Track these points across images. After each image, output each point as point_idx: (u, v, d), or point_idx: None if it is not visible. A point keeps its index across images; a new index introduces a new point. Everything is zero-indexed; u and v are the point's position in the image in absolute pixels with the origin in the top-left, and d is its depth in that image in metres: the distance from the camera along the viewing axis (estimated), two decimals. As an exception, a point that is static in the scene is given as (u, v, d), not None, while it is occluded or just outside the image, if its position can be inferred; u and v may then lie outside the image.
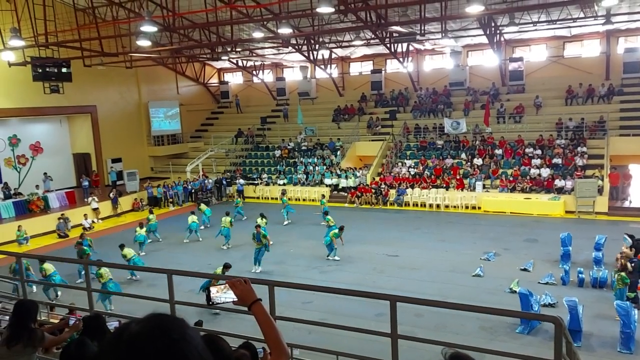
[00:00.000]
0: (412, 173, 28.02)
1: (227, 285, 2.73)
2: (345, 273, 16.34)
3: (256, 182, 31.17)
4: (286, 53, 33.32)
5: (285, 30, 21.94)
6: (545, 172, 24.90)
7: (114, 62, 28.90)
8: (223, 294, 2.82)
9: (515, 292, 12.91)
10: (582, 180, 23.01)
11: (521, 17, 24.64)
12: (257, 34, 23.86)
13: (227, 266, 13.95)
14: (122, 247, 16.65)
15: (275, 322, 2.47)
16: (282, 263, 17.79)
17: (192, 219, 21.39)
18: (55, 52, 25.32)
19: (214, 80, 41.34)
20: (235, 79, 41.48)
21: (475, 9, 18.61)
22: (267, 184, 30.78)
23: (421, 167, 28.18)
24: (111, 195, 27.57)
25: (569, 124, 26.90)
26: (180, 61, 35.86)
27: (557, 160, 25.32)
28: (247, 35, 28.48)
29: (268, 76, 39.14)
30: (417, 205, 26.09)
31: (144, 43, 22.46)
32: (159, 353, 1.26)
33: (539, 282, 14.37)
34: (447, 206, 25.38)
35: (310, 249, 19.14)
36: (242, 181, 30.69)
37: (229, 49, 30.20)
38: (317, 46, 30.08)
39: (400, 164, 29.20)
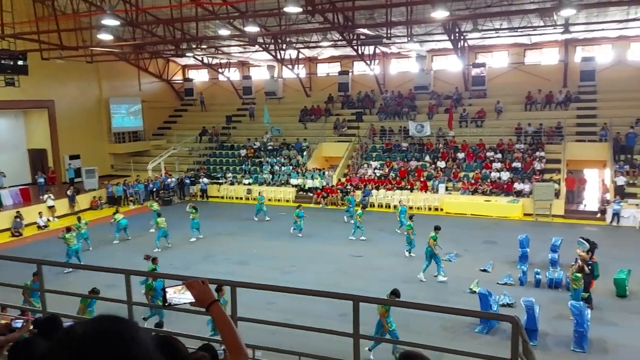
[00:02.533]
0: (378, 174, 28.28)
1: (184, 286, 2.67)
2: (310, 273, 16.32)
3: (220, 181, 30.81)
4: (253, 51, 33.06)
5: (252, 29, 21.79)
6: (505, 175, 25.57)
7: (74, 56, 27.99)
8: (180, 295, 2.74)
9: (475, 292, 13.17)
10: (539, 183, 23.73)
11: (484, 24, 25.23)
12: (223, 32, 23.60)
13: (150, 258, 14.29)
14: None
15: (237, 323, 2.42)
16: (245, 264, 17.62)
17: (119, 217, 20.89)
18: (12, 44, 24.33)
19: (178, 77, 40.60)
20: (200, 77, 40.86)
21: (440, 14, 18.94)
22: (232, 184, 30.47)
23: (386, 169, 28.47)
24: (68, 192, 26.70)
25: (528, 129, 27.72)
26: (143, 57, 35.08)
27: (517, 164, 26.03)
28: (213, 32, 28.10)
29: (234, 74, 38.73)
30: (382, 206, 26.34)
31: (105, 37, 21.89)
32: (107, 356, 1.20)
33: (497, 283, 14.71)
34: (410, 207, 25.69)
35: (274, 250, 19.03)
36: (205, 180, 30.28)
37: (193, 46, 29.73)
38: (284, 46, 29.98)
39: (366, 165, 29.42)
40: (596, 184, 26.35)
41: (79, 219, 19.95)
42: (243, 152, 33.10)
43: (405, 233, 17.93)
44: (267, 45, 29.68)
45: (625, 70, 28.11)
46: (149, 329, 7.08)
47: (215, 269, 16.70)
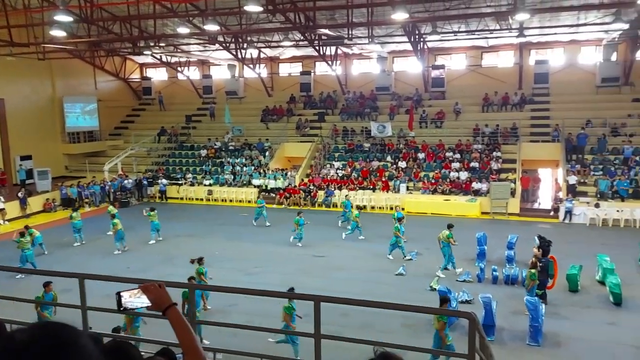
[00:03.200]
0: (340, 175, 28.41)
1: (140, 289, 2.60)
2: (272, 274, 16.21)
3: (180, 182, 30.24)
4: (213, 50, 32.64)
5: (211, 27, 21.50)
6: (464, 175, 26.16)
7: (25, 52, 26.91)
8: (136, 299, 2.67)
9: (435, 289, 13.40)
10: (496, 183, 24.40)
11: (443, 27, 25.77)
12: (182, 30, 23.18)
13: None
14: None
15: (196, 327, 2.38)
16: (206, 266, 17.30)
17: (77, 216, 20.25)
18: (-43, 39, 23.15)
19: (136, 76, 39.64)
20: (158, 75, 40.00)
21: (399, 16, 19.22)
22: (192, 184, 29.96)
23: (349, 169, 28.64)
24: (19, 194, 25.60)
25: (485, 129, 28.46)
26: (99, 55, 34.01)
27: (474, 164, 26.68)
28: (172, 30, 27.54)
29: (194, 73, 38.10)
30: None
31: (58, 34, 21.11)
32: None
33: (457, 280, 15.01)
34: (373, 207, 25.96)
35: (237, 251, 18.82)
36: (164, 181, 29.66)
37: (151, 44, 29.11)
38: (245, 45, 29.72)
39: (328, 165, 29.51)
40: (549, 183, 27.33)
41: (22, 234, 17.27)
42: (203, 152, 32.61)
43: (393, 235, 17.50)
44: (227, 44, 29.35)
45: (576, 73, 29.28)
46: (107, 334, 6.84)
47: (175, 272, 16.34)
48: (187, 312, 11.91)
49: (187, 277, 15.51)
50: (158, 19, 24.02)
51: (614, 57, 27.80)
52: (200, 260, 13.94)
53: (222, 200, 28.87)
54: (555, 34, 27.04)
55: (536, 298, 12.07)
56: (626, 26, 23.07)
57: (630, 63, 27.24)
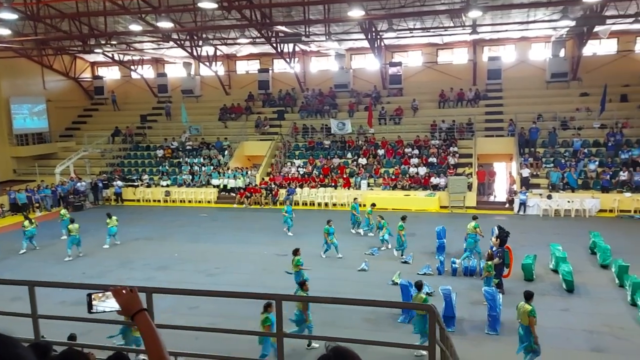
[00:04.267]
0: (301, 172, 28.37)
1: (110, 293, 2.57)
2: (234, 275, 16.01)
3: (136, 183, 29.45)
4: (167, 48, 31.92)
5: (165, 25, 21.01)
6: (422, 170, 26.61)
7: (-34, 51, 25.54)
8: (106, 302, 2.64)
9: (397, 284, 13.56)
10: (454, 177, 24.93)
11: (399, 24, 26.07)
12: (135, 27, 22.54)
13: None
14: None
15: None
16: (166, 268, 16.96)
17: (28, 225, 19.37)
18: None
19: (87, 75, 38.32)
20: (111, 74, 38.79)
21: (356, 13, 19.33)
22: (149, 186, 29.24)
23: (310, 167, 28.62)
24: (-36, 201, 24.34)
25: (442, 125, 29.03)
26: (47, 53, 32.67)
27: (433, 160, 27.18)
28: (124, 27, 26.72)
29: (148, 72, 37.16)
30: (306, 204, 26.45)
31: (2, 32, 20.13)
32: None
33: (418, 274, 15.23)
34: (334, 204, 26.04)
35: (198, 253, 18.49)
36: (120, 183, 28.83)
37: (102, 42, 28.18)
38: (200, 42, 29.21)
39: (289, 163, 29.40)
40: (504, 176, 28.15)
41: (26, 217, 18.87)
42: (160, 152, 31.87)
43: (397, 234, 17.22)
44: (182, 42, 28.77)
45: (527, 69, 30.27)
46: (62, 342, 6.56)
47: (132, 276, 15.93)
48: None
49: (145, 281, 15.19)
50: (109, 16, 23.28)
51: (562, 53, 28.88)
52: (296, 252, 13.99)
53: (181, 201, 28.32)
54: (507, 30, 27.84)
55: (494, 288, 12.40)
56: (573, 23, 23.99)
57: (578, 59, 28.37)
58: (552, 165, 25.22)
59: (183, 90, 35.02)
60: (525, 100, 29.10)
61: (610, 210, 22.65)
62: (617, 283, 13.93)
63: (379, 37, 28.93)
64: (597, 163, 24.42)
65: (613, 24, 24.04)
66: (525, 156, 25.94)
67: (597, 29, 25.22)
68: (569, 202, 22.86)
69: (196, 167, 29.97)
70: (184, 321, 12.05)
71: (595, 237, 16.86)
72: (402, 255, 17.02)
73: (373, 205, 21.20)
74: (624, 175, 23.40)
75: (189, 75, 35.12)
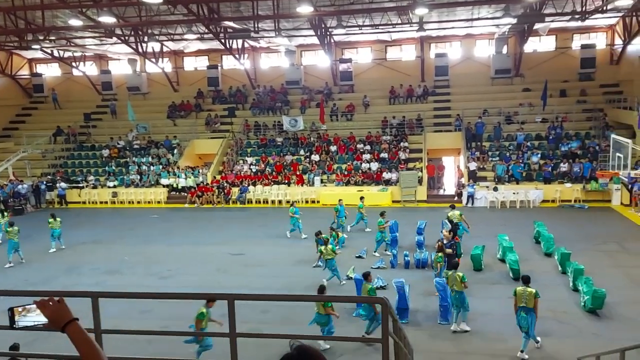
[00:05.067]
0: (254, 170, 28.10)
1: (33, 305, 2.39)
2: (188, 276, 15.66)
3: (81, 185, 28.29)
4: (111, 44, 30.74)
5: (107, 19, 20.23)
6: (375, 166, 26.95)
7: None
8: (31, 316, 2.42)
9: (352, 278, 13.67)
10: (405, 172, 25.40)
11: (348, 21, 26.22)
12: (75, 22, 21.58)
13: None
14: None
15: (101, 337, 2.21)
16: (116, 272, 16.38)
17: None
18: None
19: (25, 72, 36.41)
20: (50, 71, 37.01)
21: (305, 9, 19.29)
22: (95, 187, 28.16)
23: (262, 164, 28.40)
24: None
25: (393, 121, 29.49)
26: (-20, 49, 30.79)
27: (384, 155, 27.57)
28: (63, 22, 25.50)
29: (91, 68, 35.71)
30: (260, 202, 26.23)
31: None
32: None
33: (372, 267, 15.37)
34: (288, 201, 25.93)
35: (149, 255, 17.97)
36: (64, 185, 27.62)
37: (40, 37, 26.81)
38: (146, 38, 28.33)
39: (241, 161, 29.06)
40: (452, 170, 28.94)
41: None
42: (106, 152, 30.72)
43: (377, 230, 16.99)
44: (126, 38, 27.82)
45: (473, 65, 31.19)
46: (10, 352, 6.21)
47: (80, 282, 15.30)
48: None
49: (94, 286, 14.63)
50: (46, 9, 22.16)
51: (505, 50, 29.93)
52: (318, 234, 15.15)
53: (129, 203, 27.47)
54: (453, 28, 28.56)
55: (445, 279, 12.70)
56: (514, 21, 24.89)
57: (520, 55, 29.48)
58: (497, 158, 26.12)
59: (129, 87, 33.92)
60: (471, 96, 29.98)
61: (553, 201, 23.73)
62: (560, 270, 14.61)
63: (328, 33, 29.01)
64: (539, 156, 25.50)
65: (552, 21, 25.15)
66: (472, 150, 26.74)
67: (537, 26, 26.34)
68: (514, 193, 23.76)
69: (144, 167, 29.11)
70: (136, 326, 11.69)
71: (539, 227, 17.61)
72: (386, 251, 16.80)
73: (362, 198, 20.57)
74: (564, 167, 24.56)
75: (134, 72, 34.04)
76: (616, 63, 28.88)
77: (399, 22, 26.14)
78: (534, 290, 10.01)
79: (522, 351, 9.95)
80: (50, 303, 2.31)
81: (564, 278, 14.09)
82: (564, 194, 23.78)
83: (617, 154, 18.37)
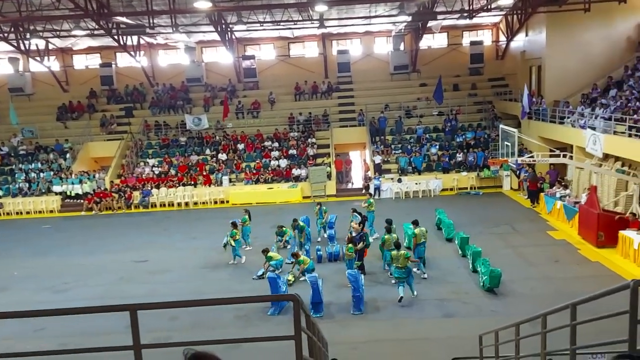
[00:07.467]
0: (157, 172, 26.88)
1: None
2: (87, 288, 14.59)
3: (-41, 197, 25.38)
4: (-13, 41, 27.80)
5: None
6: (284, 162, 26.90)
7: None
8: None
9: (264, 277, 13.50)
10: (313, 168, 25.62)
11: (248, 17, 25.84)
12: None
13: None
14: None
15: None
16: (4, 289, 14.89)
17: None
18: None
19: None
20: None
21: (202, 4, 18.70)
22: (-25, 199, 25.37)
23: (166, 166, 27.23)
24: None
25: (300, 118, 29.61)
26: None
27: (293, 152, 27.61)
28: None
29: (-35, 68, 32.13)
30: (164, 205, 25.13)
31: None
32: None
33: (286, 263, 15.34)
34: (195, 203, 25.14)
35: (42, 268, 16.51)
36: (-63, 198, 24.58)
37: None
38: (28, 35, 25.96)
39: (142, 163, 27.65)
40: (359, 163, 29.69)
41: None
42: (-13, 160, 27.82)
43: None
44: (5, 35, 25.28)
45: (373, 62, 32.14)
46: None
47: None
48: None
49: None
50: None
51: (402, 47, 31.17)
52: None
53: (17, 213, 25.12)
54: (352, 25, 29.21)
55: (356, 270, 12.97)
56: (409, 18, 25.99)
57: (416, 52, 30.87)
58: (400, 151, 27.18)
59: (10, 88, 30.95)
60: (373, 91, 30.89)
61: (451, 189, 25.17)
62: (460, 253, 15.51)
63: (229, 29, 28.42)
64: (437, 147, 26.90)
65: (443, 19, 26.59)
66: (376, 144, 27.59)
67: (430, 24, 27.72)
68: (416, 184, 24.87)
69: (33, 174, 26.73)
70: (31, 346, 10.66)
71: (440, 214, 18.58)
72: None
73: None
74: (460, 157, 26.13)
75: (16, 72, 31.13)
76: (501, 58, 31.20)
77: (300, 18, 26.24)
78: (404, 252, 12.52)
79: (401, 298, 12.16)
80: None
81: (464, 261, 14.96)
82: (460, 182, 25.30)
83: (506, 143, 19.80)
